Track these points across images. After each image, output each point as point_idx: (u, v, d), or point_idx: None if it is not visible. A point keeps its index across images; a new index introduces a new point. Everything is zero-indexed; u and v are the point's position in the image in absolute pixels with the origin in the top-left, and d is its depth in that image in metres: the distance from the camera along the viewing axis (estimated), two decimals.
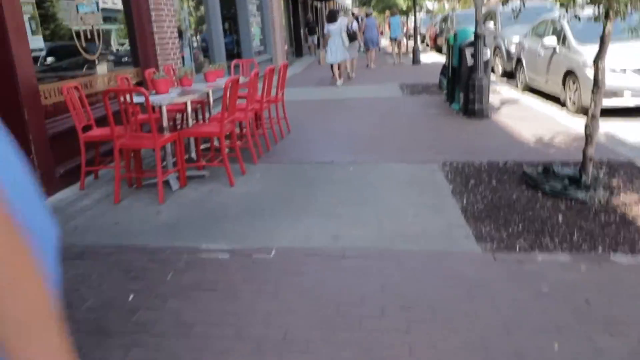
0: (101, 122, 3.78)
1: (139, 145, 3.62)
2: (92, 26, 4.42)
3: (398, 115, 6.21)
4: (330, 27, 9.38)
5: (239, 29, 9.80)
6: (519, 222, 2.79)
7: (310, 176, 3.88)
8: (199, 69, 7.34)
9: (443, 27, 16.66)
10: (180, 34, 7.04)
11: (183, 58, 6.85)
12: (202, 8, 7.72)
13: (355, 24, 10.46)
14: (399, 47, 13.72)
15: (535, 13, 11.26)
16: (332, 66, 9.66)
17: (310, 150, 4.69)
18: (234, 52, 10.19)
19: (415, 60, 12.89)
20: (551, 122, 5.37)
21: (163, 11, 5.19)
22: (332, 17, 9.40)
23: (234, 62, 5.80)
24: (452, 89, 6.54)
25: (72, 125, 3.63)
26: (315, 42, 17.07)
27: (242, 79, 4.60)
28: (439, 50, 17.59)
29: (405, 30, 19.21)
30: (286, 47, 14.77)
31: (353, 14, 15.25)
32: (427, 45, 20.12)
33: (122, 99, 3.34)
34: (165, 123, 3.77)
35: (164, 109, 3.87)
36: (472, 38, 5.88)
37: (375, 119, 6.04)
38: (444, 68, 8.26)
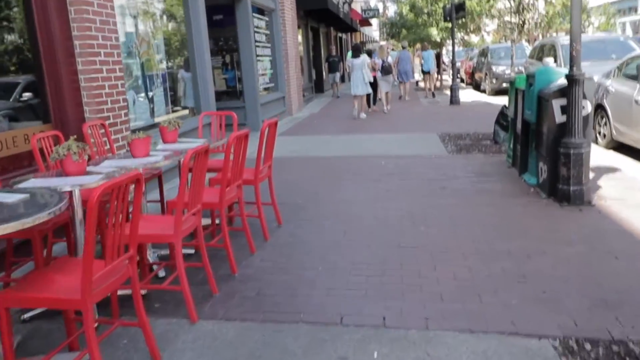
0: None
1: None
2: None
3: (448, 194, 4.17)
4: (353, 61, 9.70)
5: (240, 62, 8.21)
6: None
7: None
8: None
9: (483, 61, 14.76)
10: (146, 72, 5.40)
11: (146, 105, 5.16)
12: (178, 34, 6.11)
13: (390, 58, 10.97)
14: (432, 81, 13.77)
15: (604, 46, 9.25)
16: (354, 99, 9.84)
17: (303, 290, 2.64)
18: (235, 90, 8.58)
19: (454, 99, 10.95)
20: None
21: (96, 39, 3.50)
22: (357, 52, 9.80)
23: (202, 115, 4.02)
24: (524, 154, 4.53)
25: None
26: (338, 80, 14.57)
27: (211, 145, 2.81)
28: (477, 87, 15.65)
29: (437, 64, 18.60)
30: (303, 83, 13.21)
31: (404, 47, 13.15)
32: (462, 81, 18.26)
33: None
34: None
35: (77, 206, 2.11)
36: (559, 83, 3.90)
37: (413, 202, 4.00)
38: (501, 116, 6.28)
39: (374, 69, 10.23)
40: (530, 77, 4.33)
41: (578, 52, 3.74)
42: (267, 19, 9.69)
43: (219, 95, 8.71)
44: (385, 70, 10.46)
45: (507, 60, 13.85)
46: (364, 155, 5.96)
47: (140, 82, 5.03)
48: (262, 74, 9.30)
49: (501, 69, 13.50)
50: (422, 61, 13.63)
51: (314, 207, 3.97)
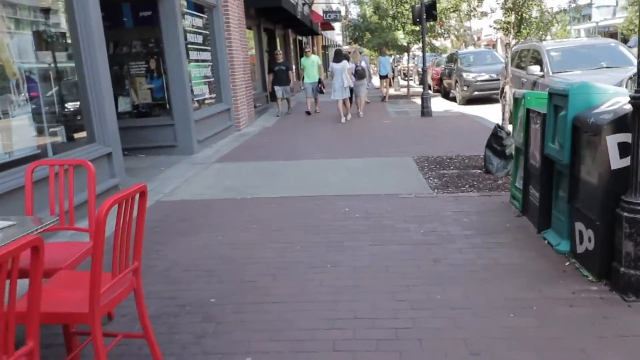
0: None
1: None
2: None
3: (446, 280, 2.68)
4: (334, 66, 9.89)
5: (167, 69, 6.53)
6: None
7: None
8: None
9: (452, 67, 13.73)
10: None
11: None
12: (58, 31, 4.37)
13: (364, 62, 11.09)
14: (388, 85, 14.26)
15: (594, 53, 8.31)
16: (337, 103, 9.86)
17: None
18: (164, 102, 6.87)
19: (426, 111, 9.72)
20: None
21: None
22: (338, 57, 9.95)
23: (32, 165, 2.34)
24: (545, 203, 3.20)
25: None
26: (287, 94, 11.05)
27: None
28: (445, 95, 14.64)
29: (396, 68, 18.49)
30: (255, 91, 11.59)
31: (361, 52, 12.49)
32: (429, 87, 17.28)
33: None
34: None
35: None
36: (611, 108, 2.58)
37: (398, 309, 2.49)
38: (494, 138, 4.99)
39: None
40: (556, 97, 3.00)
41: None
42: (205, 16, 8.05)
43: (140, 112, 6.99)
44: (359, 74, 10.49)
45: (479, 67, 12.89)
46: (322, 194, 4.44)
47: None
48: (199, 83, 7.64)
49: (472, 75, 12.51)
50: (379, 66, 14.19)
51: (232, 317, 2.40)
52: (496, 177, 4.81)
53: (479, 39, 54.39)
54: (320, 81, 11.45)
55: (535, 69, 7.36)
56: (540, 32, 5.25)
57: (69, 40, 4.40)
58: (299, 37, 21.25)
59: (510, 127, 6.07)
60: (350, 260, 2.95)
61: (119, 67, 6.92)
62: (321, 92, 11.58)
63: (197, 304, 2.53)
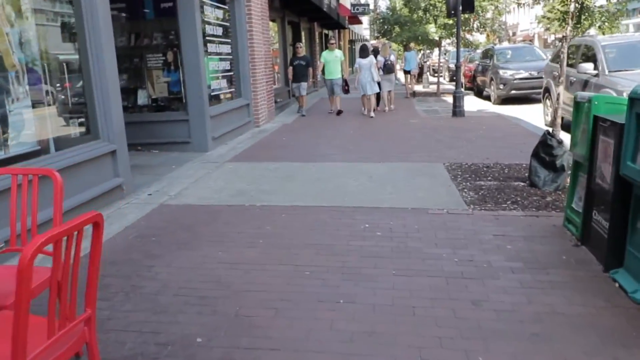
0: None
1: None
2: None
3: (490, 334, 2.18)
4: (361, 62, 9.80)
5: (183, 62, 6.15)
6: None
7: None
8: None
9: (488, 63, 12.87)
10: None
11: None
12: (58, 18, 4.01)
13: (392, 56, 11.06)
14: (412, 80, 13.97)
15: None
16: (362, 98, 9.92)
17: None
18: (181, 97, 6.51)
19: (458, 110, 9.02)
20: None
21: None
22: (364, 52, 9.87)
23: None
24: (616, 234, 2.60)
25: None
26: (301, 92, 10.04)
27: None
28: (479, 93, 13.78)
29: (425, 64, 18.07)
30: (277, 86, 11.15)
31: (390, 47, 11.94)
32: (461, 85, 16.41)
33: None
34: None
35: None
36: None
37: None
38: (542, 147, 4.35)
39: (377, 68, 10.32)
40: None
41: None
42: (226, 7, 7.64)
43: (158, 106, 6.67)
44: (388, 69, 10.48)
45: (517, 64, 11.99)
46: (339, 205, 3.93)
47: None
48: (218, 77, 7.25)
49: (510, 73, 11.63)
50: (404, 61, 13.77)
51: None
52: (543, 192, 4.18)
53: (514, 34, 52.09)
54: (345, 81, 10.42)
55: (587, 66, 6.57)
56: (607, 24, 4.49)
57: (74, 31, 4.06)
58: (325, 31, 20.68)
59: (562, 135, 5.34)
60: (368, 295, 2.45)
61: (135, 59, 6.63)
62: (346, 91, 10.45)
63: (181, 343, 2.09)
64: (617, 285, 2.49)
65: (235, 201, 4.12)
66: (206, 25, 6.73)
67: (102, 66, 3.94)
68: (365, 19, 33.26)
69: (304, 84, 10.06)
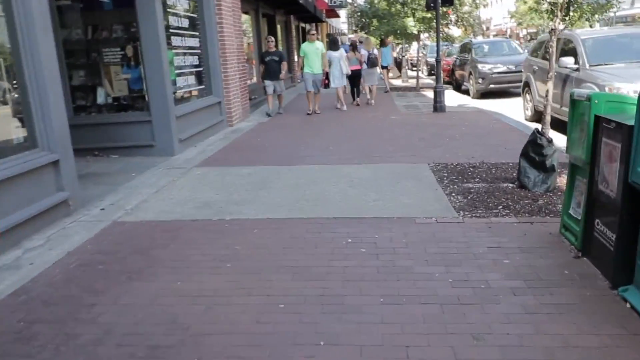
0: None
1: None
2: None
3: None
4: (332, 54, 9.68)
5: (144, 57, 5.62)
6: None
7: None
8: None
9: (466, 57, 12.69)
10: None
11: None
12: None
13: (375, 50, 11.10)
14: (388, 73, 13.72)
15: (637, 42, 7.31)
16: (337, 91, 9.80)
17: None
18: (142, 95, 5.97)
19: (439, 106, 8.77)
20: None
21: None
22: (334, 45, 9.96)
23: None
24: (625, 246, 2.33)
25: None
26: (279, 88, 9.17)
27: None
28: (457, 87, 13.62)
29: (403, 58, 18.26)
30: (253, 82, 10.63)
31: (361, 42, 11.49)
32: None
33: None
34: None
35: None
36: None
37: None
38: (531, 146, 4.08)
39: (360, 62, 10.25)
40: None
41: None
42: None
43: (120, 105, 6.11)
44: (372, 62, 10.39)
45: (495, 58, 11.86)
46: (318, 216, 3.55)
47: None
48: (185, 73, 6.73)
49: (488, 67, 11.48)
50: (381, 57, 13.41)
51: None
52: (534, 194, 3.91)
53: (487, 28, 52.66)
54: (326, 75, 9.57)
55: (568, 60, 6.38)
56: (596, 15, 4.27)
57: (1, 17, 3.50)
58: (302, 25, 20.18)
59: (552, 133, 5.07)
60: (353, 333, 2.08)
61: (93, 54, 6.03)
62: (326, 86, 9.72)
63: None
64: (628, 305, 2.22)
65: (201, 215, 3.68)
66: (170, 17, 6.20)
67: (38, 61, 3.40)
68: (343, 13, 32.85)
69: (280, 82, 9.16)
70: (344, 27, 40.23)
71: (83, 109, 6.15)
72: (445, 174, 4.59)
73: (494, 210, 3.57)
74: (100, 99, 6.09)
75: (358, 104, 10.37)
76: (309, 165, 5.19)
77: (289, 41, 16.24)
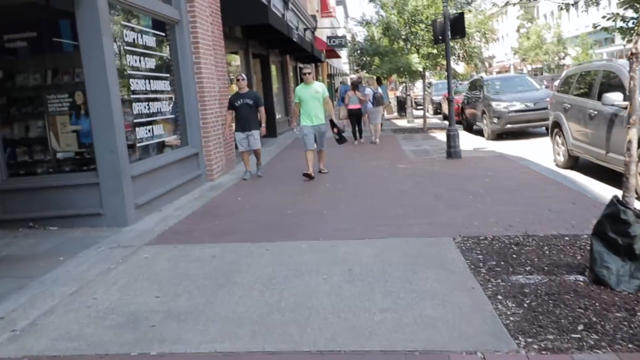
0: None
1: None
2: None
3: None
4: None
5: (89, 105, 4.53)
6: None
7: None
8: None
9: (477, 95, 11.70)
10: None
11: None
12: None
13: (380, 89, 11.34)
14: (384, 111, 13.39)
15: None
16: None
17: None
18: (87, 152, 4.84)
19: (453, 151, 7.60)
20: None
21: None
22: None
23: None
24: None
25: None
26: (253, 145, 6.86)
27: None
28: (468, 127, 12.56)
29: (408, 97, 17.60)
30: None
31: (359, 82, 11.30)
32: (445, 118, 15.31)
33: None
34: None
35: None
36: None
37: None
38: (609, 222, 2.80)
39: (360, 101, 10.32)
40: None
41: None
42: (163, 34, 6.18)
43: (65, 163, 4.98)
44: (377, 100, 10.49)
45: (510, 95, 10.84)
46: (294, 350, 2.22)
47: None
48: (150, 121, 5.64)
49: (503, 105, 10.43)
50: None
51: None
52: (622, 295, 2.62)
53: (490, 65, 52.87)
54: (333, 124, 7.25)
55: (614, 97, 5.26)
56: None
57: None
58: (300, 65, 19.64)
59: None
60: None
61: (36, 103, 5.01)
62: (340, 138, 7.45)
63: None
64: None
65: (117, 343, 2.39)
66: (128, 56, 5.20)
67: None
68: (344, 53, 32.76)
69: (255, 133, 6.83)
70: (345, 68, 40.23)
71: (23, 166, 5.06)
72: (480, 256, 3.31)
73: (573, 335, 2.26)
74: (42, 156, 4.99)
75: (361, 143, 10.45)
76: (294, 241, 3.92)
77: (285, 82, 15.48)
